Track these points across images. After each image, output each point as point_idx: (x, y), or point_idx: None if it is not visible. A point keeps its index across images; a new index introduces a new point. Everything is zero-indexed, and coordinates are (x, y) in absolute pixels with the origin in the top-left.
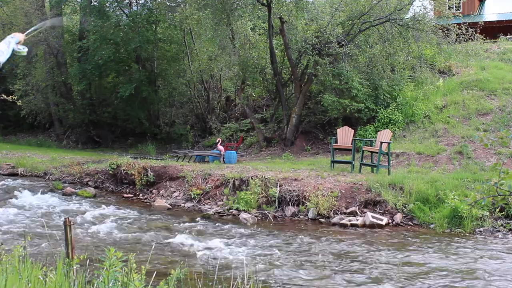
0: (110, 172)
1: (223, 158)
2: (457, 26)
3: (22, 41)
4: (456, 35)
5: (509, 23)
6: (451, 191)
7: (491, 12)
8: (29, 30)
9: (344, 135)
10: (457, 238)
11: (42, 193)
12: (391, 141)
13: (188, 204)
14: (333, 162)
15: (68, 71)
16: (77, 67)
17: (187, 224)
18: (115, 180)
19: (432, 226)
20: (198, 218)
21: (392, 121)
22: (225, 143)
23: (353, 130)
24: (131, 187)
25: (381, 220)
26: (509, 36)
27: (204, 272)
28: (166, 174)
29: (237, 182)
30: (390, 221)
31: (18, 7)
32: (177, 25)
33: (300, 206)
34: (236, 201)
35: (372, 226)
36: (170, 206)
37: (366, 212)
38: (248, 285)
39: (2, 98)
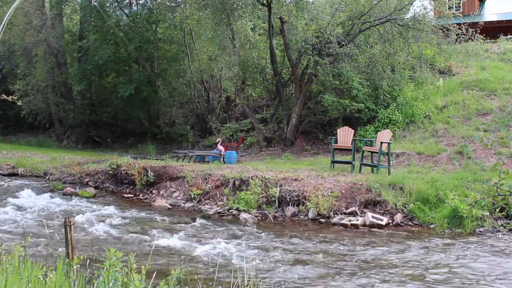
0: (110, 172)
1: (223, 158)
2: (457, 26)
3: None
4: (456, 35)
5: (509, 23)
6: (451, 191)
7: (491, 12)
8: None
9: (344, 135)
10: (457, 238)
11: (42, 193)
12: (391, 141)
13: (188, 204)
14: (333, 162)
15: (68, 71)
16: (77, 67)
17: (187, 224)
18: (115, 180)
19: (432, 226)
20: (198, 218)
21: (392, 121)
22: (225, 143)
23: (353, 130)
24: (131, 187)
25: (381, 220)
26: (509, 36)
27: (204, 272)
28: (166, 174)
29: (237, 182)
30: (390, 221)
31: (18, 7)
32: (177, 25)
33: (300, 206)
34: (236, 201)
35: (372, 226)
36: (170, 206)
37: (366, 212)
38: (248, 285)
39: (2, 98)
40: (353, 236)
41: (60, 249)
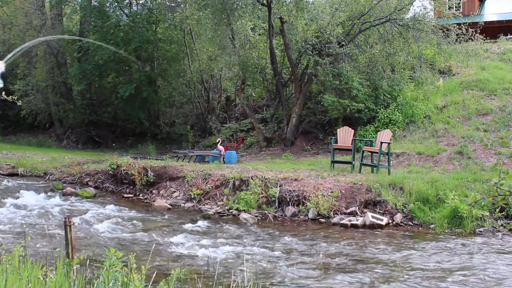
0: (110, 172)
1: (223, 158)
2: (457, 26)
3: (3, 68)
4: (456, 35)
5: (509, 23)
6: (451, 191)
7: (491, 12)
8: (9, 56)
9: (344, 135)
10: (457, 238)
11: (42, 193)
12: (391, 141)
13: (188, 204)
14: (333, 162)
15: (68, 71)
16: (77, 67)
17: (187, 224)
18: (115, 180)
19: (432, 226)
20: (198, 218)
21: (392, 121)
22: (225, 143)
23: (353, 130)
24: (131, 187)
25: (381, 220)
26: (509, 36)
27: (204, 272)
28: (166, 174)
29: (237, 182)
30: (390, 221)
31: (18, 7)
32: (177, 25)
33: (300, 206)
34: (236, 201)
35: (372, 226)
36: (170, 206)
37: (366, 212)
38: (248, 285)
39: (2, 98)
40: (353, 236)
41: (60, 249)
